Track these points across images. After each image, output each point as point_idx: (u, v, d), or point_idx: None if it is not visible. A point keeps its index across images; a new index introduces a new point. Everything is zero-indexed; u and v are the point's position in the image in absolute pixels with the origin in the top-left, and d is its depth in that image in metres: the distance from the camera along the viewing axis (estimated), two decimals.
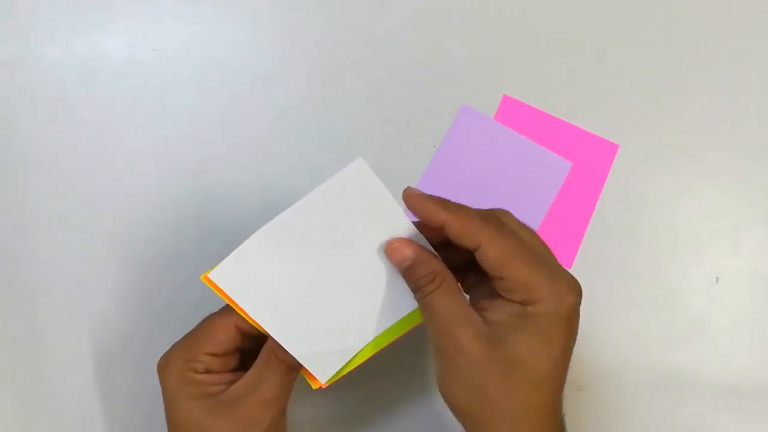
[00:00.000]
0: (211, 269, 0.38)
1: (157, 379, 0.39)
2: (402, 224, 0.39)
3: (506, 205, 0.41)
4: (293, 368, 0.39)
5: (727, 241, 0.53)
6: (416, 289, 0.39)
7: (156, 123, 0.52)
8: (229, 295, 0.39)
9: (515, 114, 0.53)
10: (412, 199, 0.38)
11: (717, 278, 0.52)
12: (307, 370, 0.41)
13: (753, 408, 0.51)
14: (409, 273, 0.39)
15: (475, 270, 0.38)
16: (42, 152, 0.51)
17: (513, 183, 0.52)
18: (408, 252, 0.39)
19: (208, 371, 0.39)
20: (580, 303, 0.38)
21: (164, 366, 0.39)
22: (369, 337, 0.41)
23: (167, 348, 0.40)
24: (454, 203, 0.38)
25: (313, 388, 0.41)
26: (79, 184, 0.51)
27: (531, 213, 0.52)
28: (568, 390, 0.50)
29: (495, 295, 0.37)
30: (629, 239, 0.53)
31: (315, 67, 0.53)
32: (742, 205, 0.53)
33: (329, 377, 0.41)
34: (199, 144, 0.52)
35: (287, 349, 0.39)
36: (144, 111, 0.52)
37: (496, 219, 0.38)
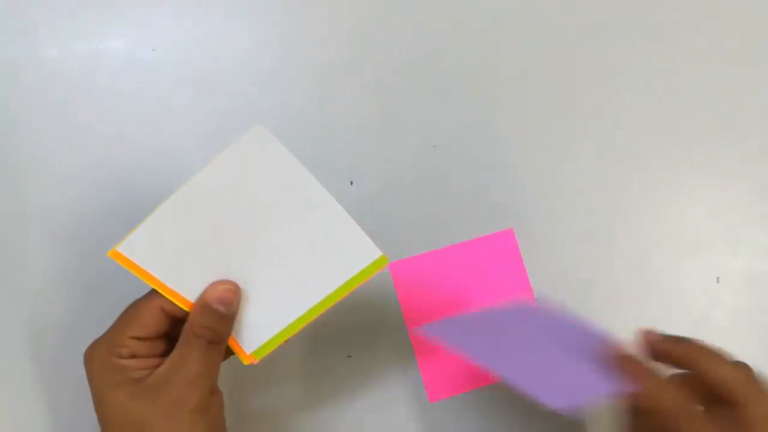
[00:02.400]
0: (118, 244, 0.38)
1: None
2: (316, 191, 0.39)
3: None
4: (213, 343, 0.39)
5: (726, 241, 0.52)
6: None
7: (157, 123, 0.52)
8: (141, 266, 0.38)
9: (409, 272, 0.51)
10: (657, 344, 0.39)
11: (718, 278, 0.52)
12: (237, 345, 0.40)
13: None
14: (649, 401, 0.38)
15: None
16: (43, 152, 0.51)
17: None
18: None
19: (133, 356, 0.38)
20: None
21: (89, 355, 0.38)
22: (296, 312, 0.40)
23: None
24: (700, 345, 0.39)
25: (245, 363, 0.40)
26: (79, 184, 0.51)
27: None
28: None
29: None
30: (629, 240, 0.52)
31: (315, 68, 0.53)
32: (741, 204, 0.53)
33: (257, 347, 0.40)
34: (199, 145, 0.52)
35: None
36: (145, 111, 0.52)
37: (754, 376, 0.38)
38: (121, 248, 0.38)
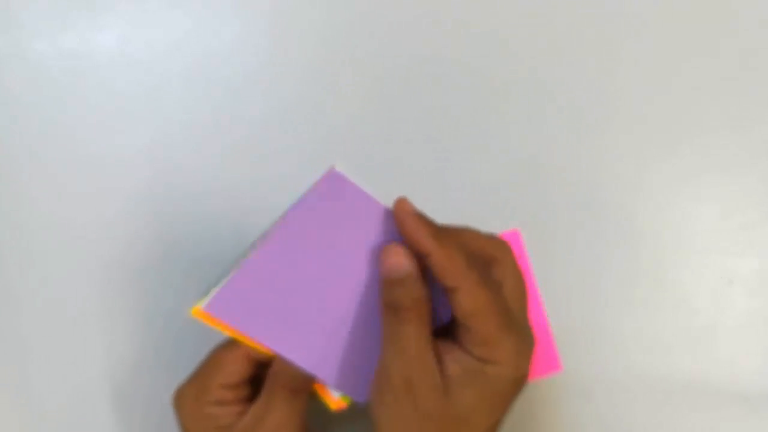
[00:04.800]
0: (201, 301, 0.37)
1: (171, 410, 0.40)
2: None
3: None
4: (297, 392, 0.39)
5: (737, 241, 0.52)
6: (394, 306, 0.36)
7: (147, 119, 0.51)
8: (231, 326, 0.37)
9: None
10: (402, 215, 0.36)
11: (730, 281, 0.52)
12: (323, 389, 0.40)
13: (765, 413, 0.51)
14: (395, 286, 0.36)
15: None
16: (30, 150, 0.50)
17: None
18: (405, 262, 0.36)
19: (220, 403, 0.39)
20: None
21: (179, 402, 0.40)
22: None
23: (177, 374, 0.41)
24: (447, 231, 0.36)
25: (332, 408, 0.40)
26: (68, 182, 0.50)
27: None
28: (575, 396, 0.51)
29: (454, 339, 0.36)
30: (637, 241, 0.52)
31: (310, 64, 0.53)
32: (753, 203, 0.53)
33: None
34: (192, 141, 0.51)
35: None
36: (135, 106, 0.51)
37: (483, 265, 0.36)
38: (205, 307, 0.37)
